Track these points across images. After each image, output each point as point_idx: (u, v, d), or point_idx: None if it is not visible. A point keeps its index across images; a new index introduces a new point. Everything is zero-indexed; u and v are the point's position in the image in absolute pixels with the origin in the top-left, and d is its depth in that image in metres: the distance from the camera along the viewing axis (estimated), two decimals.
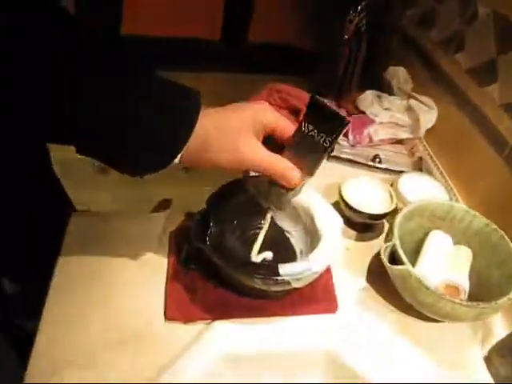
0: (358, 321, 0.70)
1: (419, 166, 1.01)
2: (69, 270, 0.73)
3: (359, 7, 1.13)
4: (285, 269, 0.60)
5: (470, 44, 0.91)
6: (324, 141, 0.54)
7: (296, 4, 1.53)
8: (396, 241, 0.68)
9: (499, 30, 0.82)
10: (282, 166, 0.56)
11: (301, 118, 0.55)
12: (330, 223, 0.68)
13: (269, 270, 0.60)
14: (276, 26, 1.71)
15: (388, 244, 0.69)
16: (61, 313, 0.67)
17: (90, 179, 1.91)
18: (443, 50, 1.01)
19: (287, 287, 0.62)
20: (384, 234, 0.86)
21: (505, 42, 0.80)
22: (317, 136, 0.54)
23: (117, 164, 0.53)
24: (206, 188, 0.72)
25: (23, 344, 0.68)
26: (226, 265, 0.62)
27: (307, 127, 0.55)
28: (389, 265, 0.67)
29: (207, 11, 1.69)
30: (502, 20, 0.81)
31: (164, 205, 1.98)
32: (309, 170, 0.57)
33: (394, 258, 0.69)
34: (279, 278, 0.59)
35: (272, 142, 0.58)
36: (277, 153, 0.56)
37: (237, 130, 0.54)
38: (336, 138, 0.54)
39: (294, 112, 1.13)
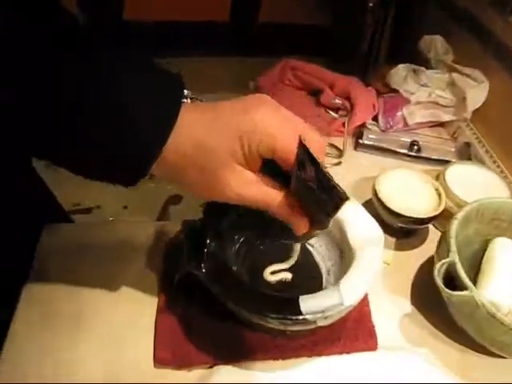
0: (404, 361, 0.54)
1: (467, 154, 0.84)
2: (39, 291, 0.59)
3: None
4: (308, 304, 0.44)
5: None
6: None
7: None
8: (455, 257, 0.52)
9: None
10: (282, 211, 0.41)
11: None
12: (365, 235, 0.52)
13: (287, 306, 0.44)
14: (287, 5, 1.61)
15: (443, 261, 0.52)
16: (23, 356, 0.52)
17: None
18: (495, 10, 0.82)
19: (311, 326, 0.46)
20: (428, 240, 0.69)
21: None
22: (317, 191, 0.37)
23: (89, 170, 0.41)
24: None
25: None
26: (228, 298, 0.46)
27: (302, 174, 0.38)
28: (447, 290, 0.50)
29: None
30: None
31: (174, 201, 1.87)
32: (318, 222, 0.41)
33: (449, 278, 0.53)
34: (301, 317, 0.43)
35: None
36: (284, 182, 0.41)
37: (220, 157, 0.39)
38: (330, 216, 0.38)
39: (313, 93, 0.96)
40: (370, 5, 1.06)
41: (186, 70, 1.49)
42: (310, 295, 0.45)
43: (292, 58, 1.03)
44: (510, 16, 0.78)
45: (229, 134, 0.38)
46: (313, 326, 0.46)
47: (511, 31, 0.78)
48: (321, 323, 0.45)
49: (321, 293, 0.46)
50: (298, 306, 0.44)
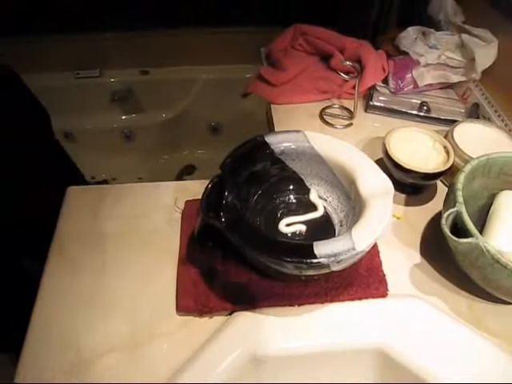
0: (413, 307, 0.57)
1: (476, 115, 0.85)
2: (65, 249, 0.62)
3: None
4: (321, 249, 0.47)
5: None
6: None
7: None
8: (461, 206, 0.54)
9: None
10: None
11: None
12: (377, 188, 0.54)
13: (302, 251, 0.47)
14: None
15: (450, 211, 0.54)
16: (54, 307, 0.56)
17: (115, 147, 1.86)
18: None
19: (324, 271, 0.49)
20: (436, 197, 0.72)
21: None
22: None
23: None
24: None
25: None
26: (246, 245, 0.49)
27: None
28: (453, 238, 0.52)
29: None
30: None
31: (188, 170, 1.90)
32: None
33: (457, 228, 0.55)
34: (315, 260, 0.46)
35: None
36: None
37: None
38: None
39: (324, 57, 0.97)
40: None
41: (202, 42, 1.51)
42: (324, 241, 0.48)
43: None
44: None
45: None
46: (327, 271, 0.49)
47: None
48: (334, 268, 0.48)
49: (334, 239, 0.49)
50: (312, 251, 0.46)
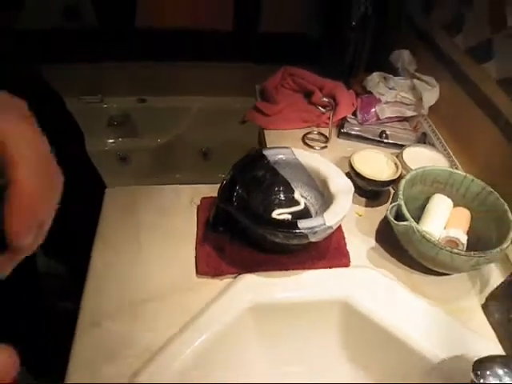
0: (368, 274, 0.79)
1: (423, 141, 1.09)
2: (107, 236, 0.83)
3: None
4: (303, 224, 0.69)
5: (468, 26, 0.99)
6: None
7: None
8: (401, 201, 0.77)
9: (493, 11, 0.90)
10: None
11: None
12: (341, 187, 0.77)
13: (289, 225, 0.69)
14: (285, 18, 1.81)
15: (394, 204, 0.77)
16: (105, 271, 0.77)
17: (111, 168, 2.03)
18: (444, 32, 1.09)
19: (305, 241, 0.71)
20: (389, 201, 0.94)
21: (499, 20, 0.88)
22: None
23: None
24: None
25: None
26: (250, 222, 0.70)
27: None
28: (395, 221, 0.75)
29: (220, 3, 1.78)
30: (495, 4, 0.89)
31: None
32: None
33: (398, 217, 0.77)
34: (298, 231, 0.68)
35: None
36: None
37: None
38: None
39: (306, 94, 1.21)
40: (353, 24, 1.31)
41: (195, 74, 1.74)
42: (304, 219, 0.70)
43: (288, 65, 1.29)
44: (455, 36, 1.04)
45: None
46: (306, 241, 0.71)
47: (455, 48, 1.04)
48: (312, 238, 0.70)
49: (311, 218, 0.71)
50: (297, 225, 0.68)
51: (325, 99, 1.10)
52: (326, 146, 1.09)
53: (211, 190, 0.89)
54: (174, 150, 2.12)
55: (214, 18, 1.79)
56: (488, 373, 0.57)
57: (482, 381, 0.56)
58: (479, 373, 0.57)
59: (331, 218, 0.70)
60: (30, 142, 0.31)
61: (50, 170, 0.33)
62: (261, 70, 1.34)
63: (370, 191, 0.93)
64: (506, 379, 0.56)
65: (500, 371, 0.57)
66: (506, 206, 0.78)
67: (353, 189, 0.76)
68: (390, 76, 1.17)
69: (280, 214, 0.81)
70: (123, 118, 2.02)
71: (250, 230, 0.73)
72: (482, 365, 0.58)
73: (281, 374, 0.74)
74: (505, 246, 0.72)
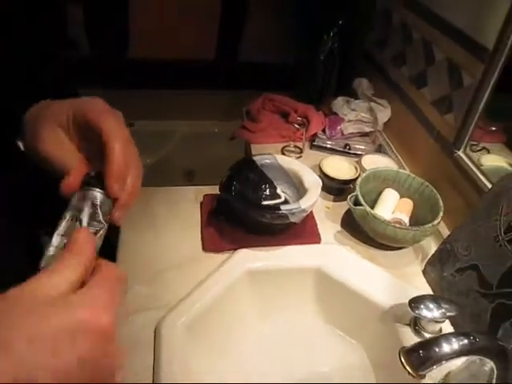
0: (335, 249, 1.02)
1: (380, 151, 1.35)
2: (131, 224, 1.04)
3: (331, 33, 1.48)
4: (284, 207, 0.92)
5: (409, 59, 1.26)
6: None
7: (280, 30, 1.82)
8: (357, 191, 1.01)
9: (425, 49, 1.17)
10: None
11: None
12: (313, 183, 1.01)
13: (274, 208, 0.93)
14: (263, 49, 1.99)
15: (352, 194, 1.02)
16: (133, 246, 0.99)
17: None
18: (394, 66, 1.36)
19: (286, 221, 0.94)
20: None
21: (430, 56, 1.15)
22: None
23: None
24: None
25: None
26: (245, 208, 0.94)
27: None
28: (353, 207, 0.99)
29: (203, 35, 1.92)
30: (427, 45, 1.16)
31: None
32: None
33: (357, 205, 1.02)
34: (280, 211, 0.91)
35: None
36: None
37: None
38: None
39: (284, 115, 1.47)
40: (322, 58, 1.58)
41: (182, 101, 1.90)
42: (286, 205, 0.94)
43: (269, 92, 1.54)
44: (401, 68, 1.31)
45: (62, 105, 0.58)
46: (287, 221, 0.94)
47: (402, 77, 1.31)
48: (291, 219, 0.94)
49: (290, 203, 0.95)
50: (279, 208, 0.92)
51: (299, 119, 1.36)
52: (300, 156, 1.33)
53: (211, 190, 1.12)
54: (160, 170, 2.12)
55: (199, 48, 1.91)
56: (422, 306, 0.80)
57: (416, 311, 0.80)
58: (413, 305, 0.81)
59: (305, 203, 0.94)
60: (120, 125, 0.52)
61: (134, 145, 0.54)
62: (241, 96, 1.56)
63: (336, 189, 1.17)
64: (434, 310, 0.80)
65: (430, 305, 0.81)
66: (438, 196, 1.03)
67: (321, 184, 1.01)
68: (352, 99, 1.43)
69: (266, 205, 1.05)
70: None
71: (244, 214, 0.96)
72: (415, 299, 0.82)
73: (269, 322, 0.97)
74: (435, 222, 0.96)
